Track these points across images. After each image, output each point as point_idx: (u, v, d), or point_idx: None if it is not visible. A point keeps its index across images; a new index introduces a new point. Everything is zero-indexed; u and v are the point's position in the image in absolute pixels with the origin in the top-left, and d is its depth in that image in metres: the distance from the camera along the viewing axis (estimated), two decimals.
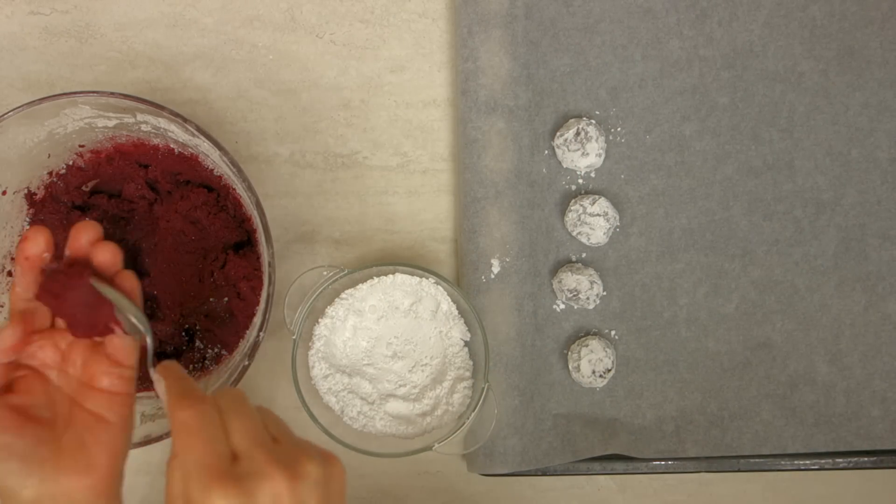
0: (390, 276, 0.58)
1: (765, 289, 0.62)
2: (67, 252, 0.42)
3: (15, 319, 0.41)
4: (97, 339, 0.42)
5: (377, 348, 0.58)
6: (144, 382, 0.49)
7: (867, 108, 0.63)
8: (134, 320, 0.42)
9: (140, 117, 0.53)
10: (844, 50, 0.63)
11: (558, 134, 0.61)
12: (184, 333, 0.58)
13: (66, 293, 0.41)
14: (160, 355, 0.57)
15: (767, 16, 0.63)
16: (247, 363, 0.51)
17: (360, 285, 0.58)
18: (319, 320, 0.57)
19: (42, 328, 0.42)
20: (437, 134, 0.63)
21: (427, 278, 0.58)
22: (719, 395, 0.61)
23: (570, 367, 0.60)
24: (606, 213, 0.59)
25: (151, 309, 0.57)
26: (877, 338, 0.62)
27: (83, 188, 0.58)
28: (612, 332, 0.62)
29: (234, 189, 0.57)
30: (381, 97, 0.63)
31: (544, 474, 0.61)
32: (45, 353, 0.41)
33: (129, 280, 0.43)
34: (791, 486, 0.63)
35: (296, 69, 0.63)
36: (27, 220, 0.57)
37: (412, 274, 0.57)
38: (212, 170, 0.58)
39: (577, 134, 0.59)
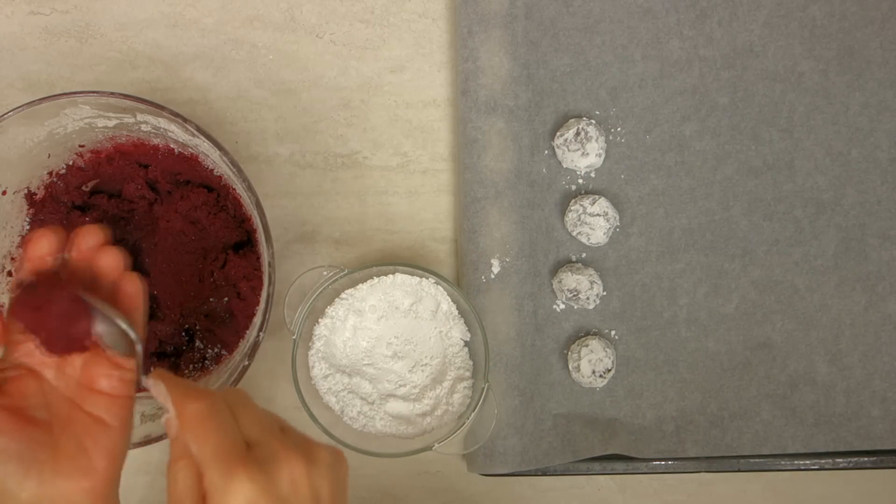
0: (390, 276, 0.57)
1: (765, 289, 0.62)
2: (68, 255, 0.42)
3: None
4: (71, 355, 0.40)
5: (377, 348, 0.58)
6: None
7: (867, 108, 0.63)
8: (125, 327, 0.40)
9: (140, 117, 0.53)
10: (844, 50, 0.63)
11: (558, 134, 0.61)
12: (184, 333, 0.58)
13: (47, 306, 0.39)
14: (161, 356, 0.58)
15: (767, 16, 0.63)
16: (247, 363, 0.51)
17: (360, 285, 0.58)
18: (319, 320, 0.57)
19: None
20: (437, 134, 0.63)
21: (427, 278, 0.58)
22: (719, 395, 0.61)
23: (570, 367, 0.60)
24: (606, 213, 0.59)
25: (151, 309, 0.57)
26: (877, 338, 0.62)
27: (83, 188, 0.58)
28: (612, 332, 0.62)
29: (234, 189, 0.57)
30: (381, 97, 0.63)
31: (544, 474, 0.61)
32: (42, 352, 0.41)
33: (135, 283, 0.43)
34: (791, 486, 0.63)
35: (296, 69, 0.63)
36: (27, 220, 0.57)
37: (412, 274, 0.57)
38: (212, 170, 0.58)
39: (577, 134, 0.59)
